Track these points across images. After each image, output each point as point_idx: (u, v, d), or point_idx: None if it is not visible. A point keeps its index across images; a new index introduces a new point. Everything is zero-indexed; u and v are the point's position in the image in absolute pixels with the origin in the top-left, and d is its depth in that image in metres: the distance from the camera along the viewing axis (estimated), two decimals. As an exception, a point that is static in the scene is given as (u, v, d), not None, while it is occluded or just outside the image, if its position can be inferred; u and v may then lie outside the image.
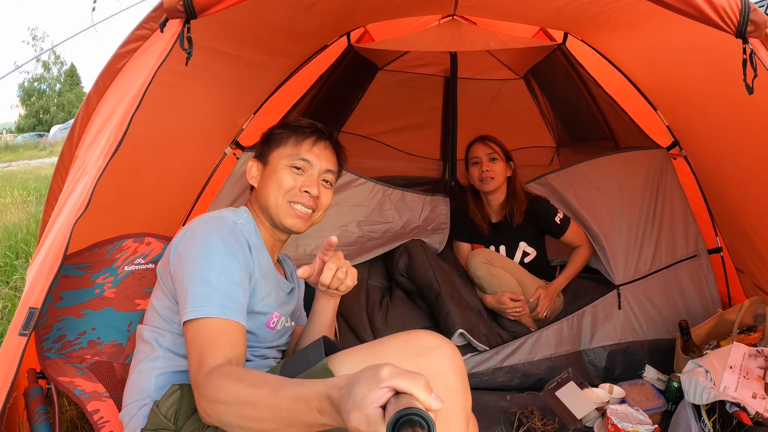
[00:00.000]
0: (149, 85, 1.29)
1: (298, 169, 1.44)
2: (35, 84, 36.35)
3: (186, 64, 1.32)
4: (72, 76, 37.83)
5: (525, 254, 2.66)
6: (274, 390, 0.94)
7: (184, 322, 1.18)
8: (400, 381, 0.75)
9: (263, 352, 1.43)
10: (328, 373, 1.05)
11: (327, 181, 1.49)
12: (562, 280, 2.59)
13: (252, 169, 1.50)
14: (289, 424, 0.92)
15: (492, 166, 2.56)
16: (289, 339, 1.57)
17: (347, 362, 1.07)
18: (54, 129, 26.88)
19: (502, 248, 2.67)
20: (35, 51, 34.53)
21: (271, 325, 1.42)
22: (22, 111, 36.97)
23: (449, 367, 1.06)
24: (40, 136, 28.64)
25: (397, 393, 0.75)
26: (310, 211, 1.45)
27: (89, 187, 1.23)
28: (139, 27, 1.42)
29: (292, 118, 1.54)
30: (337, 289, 1.40)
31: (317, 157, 1.45)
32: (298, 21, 2.05)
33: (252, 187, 1.53)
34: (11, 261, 3.76)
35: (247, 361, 1.36)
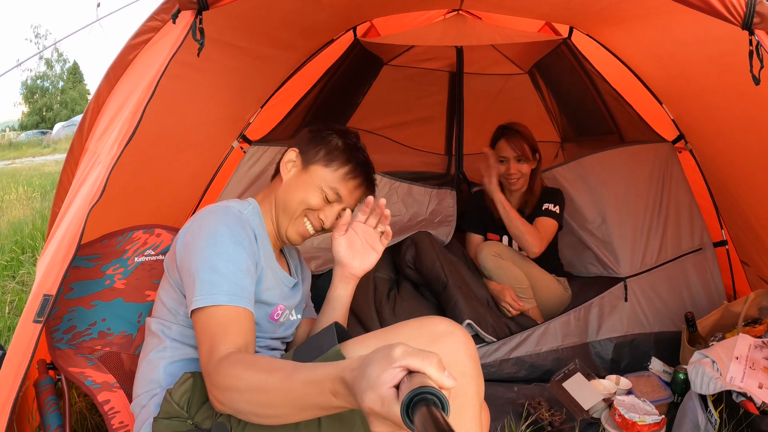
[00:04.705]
0: (162, 75, 1.30)
1: (328, 199, 1.44)
2: (38, 81, 36.40)
3: (198, 55, 1.33)
4: (75, 73, 37.87)
5: None
6: (287, 375, 0.94)
7: (193, 311, 1.18)
8: (412, 360, 0.75)
9: (267, 342, 1.44)
10: (340, 359, 1.04)
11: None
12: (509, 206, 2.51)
13: (289, 164, 1.46)
14: (303, 408, 0.93)
15: (519, 167, 2.55)
16: (294, 333, 1.57)
17: (360, 348, 1.07)
18: (57, 126, 26.92)
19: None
20: (38, 49, 34.59)
21: (275, 317, 1.43)
22: (25, 108, 37.03)
23: (463, 352, 1.07)
24: (43, 133, 28.68)
25: (410, 372, 0.75)
26: (314, 232, 1.47)
27: (104, 175, 1.24)
28: (151, 18, 1.42)
29: (356, 142, 1.50)
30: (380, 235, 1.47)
31: (350, 198, 1.47)
32: (306, 14, 2.06)
33: (273, 176, 1.53)
34: (17, 256, 3.79)
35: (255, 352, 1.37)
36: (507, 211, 2.49)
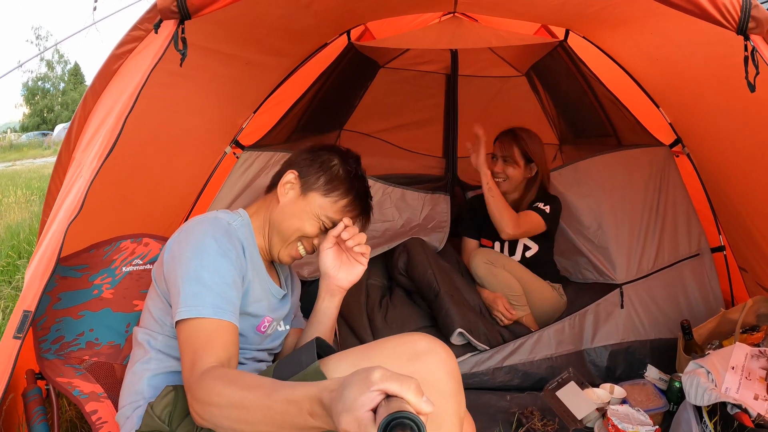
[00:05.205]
0: (143, 86, 1.28)
1: (325, 227, 1.44)
2: (39, 83, 36.53)
3: (180, 65, 1.31)
4: (76, 74, 37.96)
5: (526, 248, 2.64)
6: (266, 393, 0.94)
7: (177, 322, 1.18)
8: (391, 384, 0.75)
9: (253, 354, 1.43)
10: (320, 376, 1.05)
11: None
12: (492, 182, 2.49)
13: (288, 185, 1.45)
14: (281, 426, 0.92)
15: (505, 167, 2.55)
16: (282, 343, 1.56)
17: (340, 365, 1.07)
18: (58, 128, 26.96)
19: (506, 243, 2.66)
20: (39, 50, 34.68)
21: (262, 329, 1.42)
22: (26, 110, 37.19)
23: (443, 370, 1.06)
24: (44, 135, 28.77)
25: (388, 396, 0.75)
26: (305, 254, 1.47)
27: (83, 189, 1.23)
28: (134, 28, 1.41)
29: (359, 171, 1.49)
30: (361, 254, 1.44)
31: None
32: (296, 19, 2.04)
33: (267, 190, 1.52)
34: (14, 261, 3.78)
35: (240, 364, 1.36)
36: (490, 186, 2.46)
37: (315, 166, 1.45)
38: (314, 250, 1.48)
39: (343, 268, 1.47)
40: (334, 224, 1.43)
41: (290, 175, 1.45)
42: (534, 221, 2.51)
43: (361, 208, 1.48)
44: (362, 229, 1.52)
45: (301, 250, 1.45)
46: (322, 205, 1.42)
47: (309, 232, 1.42)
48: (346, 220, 1.42)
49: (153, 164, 2.04)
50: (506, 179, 2.56)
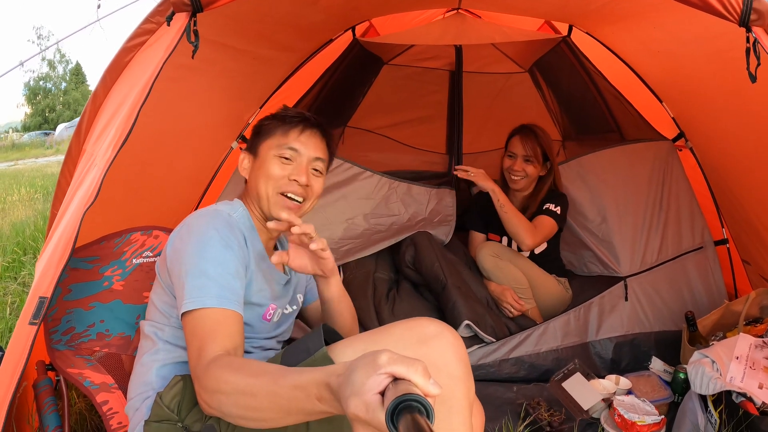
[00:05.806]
0: (156, 77, 1.30)
1: (287, 159, 1.43)
2: (41, 83, 36.50)
3: (192, 57, 1.33)
4: (77, 74, 37.94)
5: None
6: (273, 379, 0.94)
7: (183, 314, 1.18)
8: (398, 367, 0.75)
9: (261, 343, 1.44)
10: (328, 362, 1.05)
11: (317, 170, 1.48)
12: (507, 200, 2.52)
13: (243, 161, 1.49)
14: (289, 412, 0.92)
15: (525, 166, 2.55)
16: (290, 328, 1.56)
17: (348, 351, 1.07)
18: (60, 127, 26.95)
19: None
20: (40, 50, 34.62)
21: (267, 317, 1.43)
22: (28, 110, 37.12)
23: (451, 354, 1.06)
24: (46, 134, 28.76)
25: (396, 379, 0.75)
26: (300, 200, 1.44)
27: (98, 178, 1.25)
28: (146, 21, 1.43)
29: (281, 108, 1.53)
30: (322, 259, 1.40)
31: (305, 146, 1.44)
32: (304, 15, 2.06)
33: (246, 180, 1.54)
34: (19, 257, 3.80)
35: (247, 353, 1.37)
36: (502, 203, 2.47)
37: (253, 136, 1.51)
38: (303, 191, 1.44)
39: (316, 267, 1.42)
40: (292, 149, 1.42)
41: (241, 155, 1.50)
42: (549, 226, 2.51)
43: (301, 120, 1.46)
44: (326, 140, 1.51)
45: (291, 196, 1.43)
46: (270, 145, 1.43)
47: (275, 171, 1.41)
48: (271, 224, 1.37)
49: (161, 158, 2.06)
50: (525, 177, 2.56)
